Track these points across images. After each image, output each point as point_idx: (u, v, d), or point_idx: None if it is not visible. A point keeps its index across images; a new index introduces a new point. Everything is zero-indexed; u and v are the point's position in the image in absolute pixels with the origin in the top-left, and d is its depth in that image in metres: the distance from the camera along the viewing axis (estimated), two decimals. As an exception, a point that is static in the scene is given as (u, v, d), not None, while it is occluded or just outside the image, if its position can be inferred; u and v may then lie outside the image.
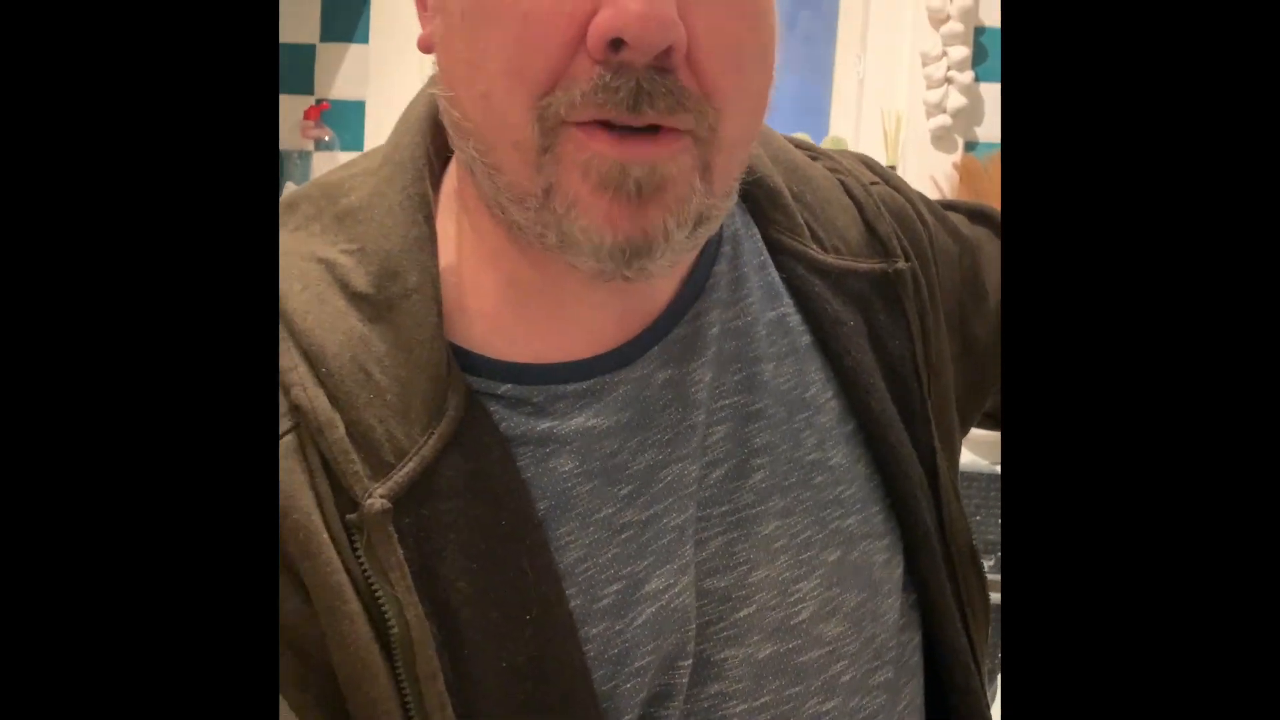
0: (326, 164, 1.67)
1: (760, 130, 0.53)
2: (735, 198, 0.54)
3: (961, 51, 1.65)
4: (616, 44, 0.45)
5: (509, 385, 0.52)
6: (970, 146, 1.68)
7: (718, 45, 0.47)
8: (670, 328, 0.55)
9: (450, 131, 0.52)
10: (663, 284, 0.55)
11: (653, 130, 0.46)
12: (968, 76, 1.66)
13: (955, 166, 1.67)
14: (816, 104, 1.76)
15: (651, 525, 0.53)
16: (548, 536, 0.51)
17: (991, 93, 1.67)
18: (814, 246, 0.60)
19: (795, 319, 0.60)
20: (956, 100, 1.65)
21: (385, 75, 1.68)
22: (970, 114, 1.67)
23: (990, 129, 1.68)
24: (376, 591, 0.47)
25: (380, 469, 0.48)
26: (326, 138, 1.72)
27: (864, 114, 1.72)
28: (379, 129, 1.68)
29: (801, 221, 0.61)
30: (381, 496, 0.48)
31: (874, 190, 0.64)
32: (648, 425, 0.54)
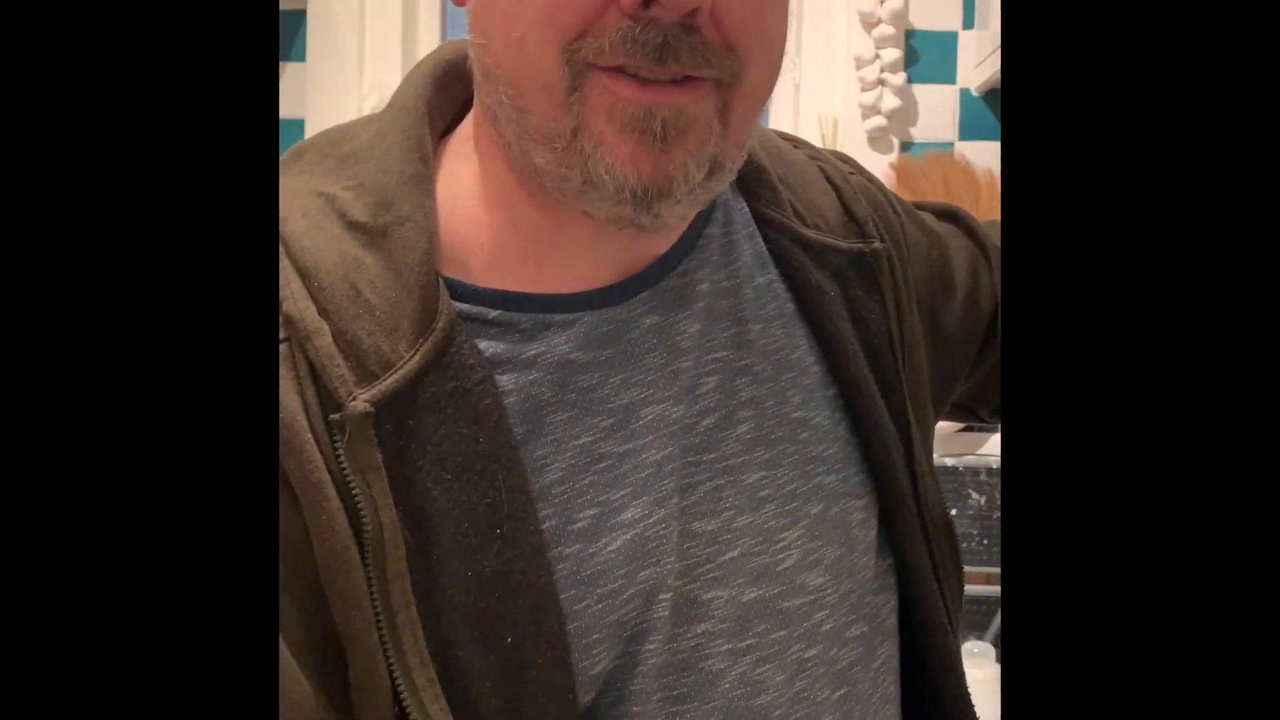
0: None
1: (775, 84, 0.56)
2: (745, 154, 0.56)
3: (894, 54, 1.68)
4: (647, 1, 0.48)
5: (498, 311, 0.55)
6: (906, 147, 1.71)
7: (740, 3, 0.50)
8: (660, 279, 0.58)
9: (479, 78, 0.55)
10: (657, 240, 0.58)
11: (677, 80, 0.49)
12: (900, 78, 1.69)
13: (892, 166, 1.70)
14: (753, 109, 1.78)
15: (630, 458, 0.55)
16: (525, 457, 0.53)
17: (924, 94, 1.71)
18: (797, 221, 0.63)
19: (781, 286, 0.63)
20: (890, 102, 1.68)
21: (323, 93, 1.66)
22: (904, 115, 1.70)
23: (925, 129, 1.71)
24: (355, 491, 0.49)
25: (365, 376, 0.50)
26: (265, 157, 1.69)
27: (801, 118, 1.74)
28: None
29: (785, 199, 0.64)
30: (365, 400, 0.49)
31: (851, 179, 0.67)
32: (632, 365, 0.56)
